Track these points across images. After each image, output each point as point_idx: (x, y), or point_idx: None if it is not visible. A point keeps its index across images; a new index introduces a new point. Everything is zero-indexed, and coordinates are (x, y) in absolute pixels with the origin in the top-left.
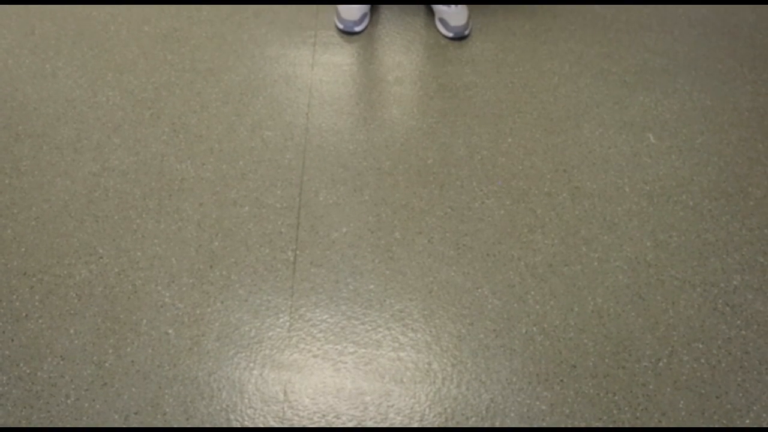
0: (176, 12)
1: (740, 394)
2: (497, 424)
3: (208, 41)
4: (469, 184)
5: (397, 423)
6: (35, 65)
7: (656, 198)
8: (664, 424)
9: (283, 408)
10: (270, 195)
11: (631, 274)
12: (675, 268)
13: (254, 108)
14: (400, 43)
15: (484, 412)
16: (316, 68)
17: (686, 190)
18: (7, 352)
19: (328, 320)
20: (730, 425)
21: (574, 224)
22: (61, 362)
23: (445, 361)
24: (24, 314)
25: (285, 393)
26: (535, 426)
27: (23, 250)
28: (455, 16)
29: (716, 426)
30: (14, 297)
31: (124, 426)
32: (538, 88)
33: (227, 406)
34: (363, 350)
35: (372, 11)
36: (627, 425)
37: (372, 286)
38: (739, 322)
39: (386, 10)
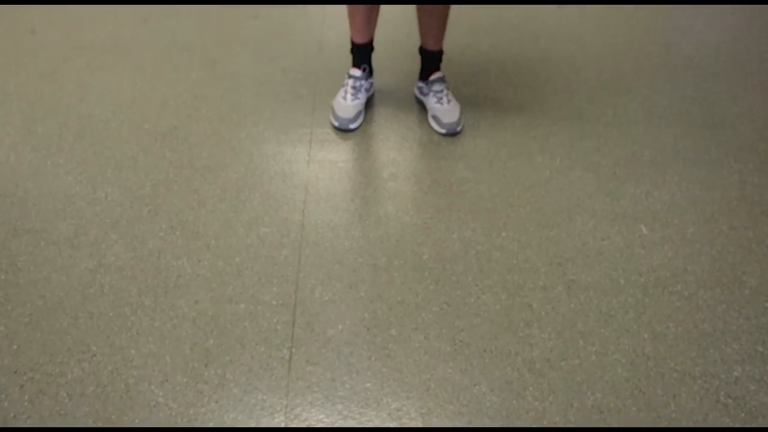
0: (176, 110)
1: None
2: None
3: (207, 139)
4: (465, 279)
5: None
6: (36, 161)
7: (651, 289)
8: None
9: None
10: (266, 292)
11: (630, 367)
12: (674, 360)
13: (251, 205)
14: (394, 140)
15: None
16: (312, 165)
17: (681, 281)
18: None
19: (324, 420)
20: None
21: (571, 318)
22: None
23: None
24: (12, 415)
25: None
26: None
27: (15, 347)
28: (447, 112)
29: None
30: (3, 396)
31: None
32: (531, 182)
33: None
34: None
35: (366, 108)
36: None
37: (368, 385)
38: (743, 414)
39: (380, 107)
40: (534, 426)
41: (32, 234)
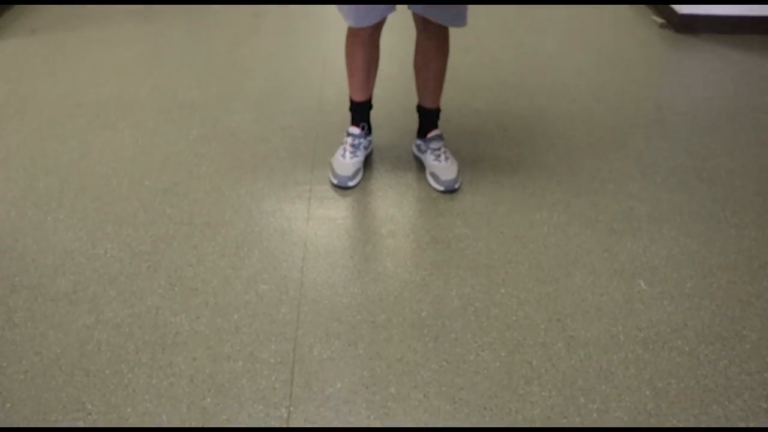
0: (176, 167)
1: None
2: None
3: (207, 195)
4: (464, 337)
5: None
6: (37, 217)
7: (651, 345)
8: None
9: None
10: (264, 350)
11: (632, 424)
12: (677, 417)
13: (250, 261)
14: (392, 197)
15: None
16: (311, 222)
17: (681, 336)
18: None
19: None
20: None
21: (571, 375)
22: None
23: None
24: None
25: None
26: None
27: (8, 405)
28: (445, 170)
29: None
30: None
31: None
32: (529, 238)
33: None
34: None
35: (365, 165)
36: None
37: None
38: None
39: (379, 165)
40: None
41: (30, 290)
